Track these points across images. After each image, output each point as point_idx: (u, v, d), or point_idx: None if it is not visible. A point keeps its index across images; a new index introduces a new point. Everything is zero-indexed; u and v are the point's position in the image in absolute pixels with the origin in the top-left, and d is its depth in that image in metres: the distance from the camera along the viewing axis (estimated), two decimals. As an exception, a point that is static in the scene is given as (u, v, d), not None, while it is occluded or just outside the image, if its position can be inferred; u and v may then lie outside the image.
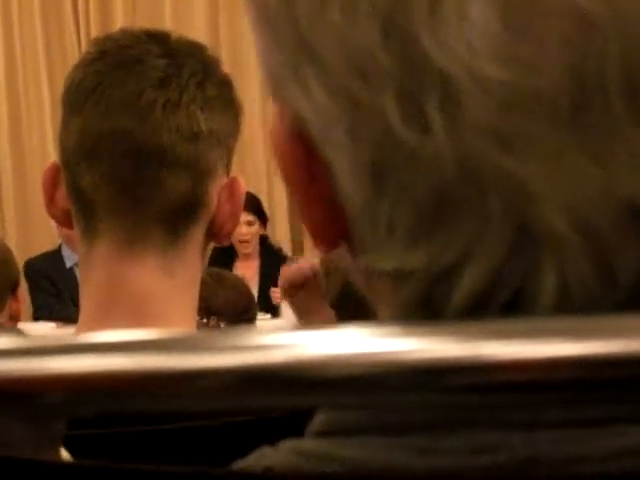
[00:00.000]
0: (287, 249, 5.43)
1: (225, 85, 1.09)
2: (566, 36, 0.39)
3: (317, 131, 0.44)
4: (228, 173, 1.10)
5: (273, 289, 4.65)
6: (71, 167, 1.07)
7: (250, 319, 3.05)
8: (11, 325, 2.42)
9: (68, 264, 4.78)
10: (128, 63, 1.05)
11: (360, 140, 0.43)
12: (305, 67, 0.43)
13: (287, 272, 2.87)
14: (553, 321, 0.39)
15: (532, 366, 0.37)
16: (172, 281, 1.07)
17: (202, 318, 2.69)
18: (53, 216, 1.11)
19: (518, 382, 0.37)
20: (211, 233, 1.09)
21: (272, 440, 0.47)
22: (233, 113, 1.10)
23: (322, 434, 0.46)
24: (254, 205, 4.85)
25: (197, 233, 1.08)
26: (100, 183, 1.05)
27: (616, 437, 0.41)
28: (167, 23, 5.45)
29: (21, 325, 2.84)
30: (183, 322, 1.07)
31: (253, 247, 4.97)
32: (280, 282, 3.01)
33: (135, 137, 1.03)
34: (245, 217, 4.76)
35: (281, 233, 5.60)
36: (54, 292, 4.80)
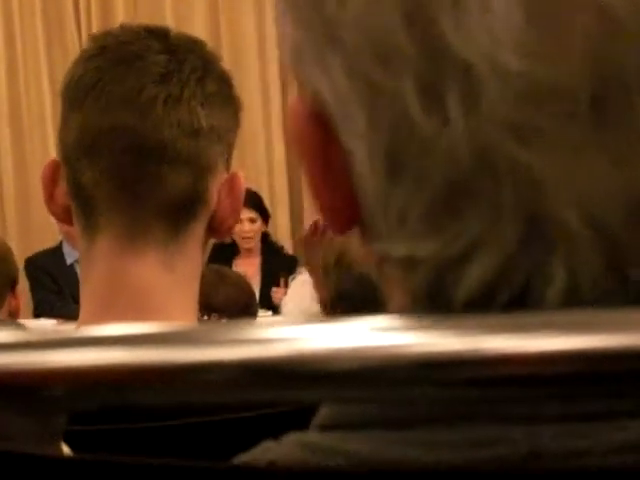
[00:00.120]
0: (288, 245, 5.43)
1: (225, 81, 1.09)
2: (588, 31, 0.39)
3: (336, 114, 0.45)
4: (228, 169, 1.10)
5: (275, 289, 4.65)
6: (71, 163, 1.06)
7: (251, 316, 3.05)
8: (11, 322, 2.42)
9: (69, 261, 4.78)
10: (128, 59, 1.05)
11: (378, 125, 0.43)
12: (327, 50, 0.44)
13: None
14: (553, 315, 0.39)
15: (533, 360, 0.37)
16: (173, 276, 1.07)
17: (203, 315, 2.69)
18: (53, 213, 1.11)
19: (519, 376, 0.37)
20: (212, 229, 1.09)
21: (276, 435, 0.47)
22: (233, 109, 1.10)
23: (326, 427, 0.46)
24: (256, 202, 4.85)
25: (198, 229, 1.08)
26: (100, 179, 1.05)
27: (617, 431, 0.41)
28: (168, 21, 5.45)
29: (22, 322, 2.84)
30: (184, 317, 1.07)
31: (255, 244, 4.97)
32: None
33: (136, 133, 1.03)
34: (247, 214, 4.76)
35: (282, 230, 5.60)
36: (55, 289, 4.80)
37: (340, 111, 0.44)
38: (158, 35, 1.07)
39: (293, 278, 4.22)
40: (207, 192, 1.07)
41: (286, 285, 4.53)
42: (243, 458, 0.47)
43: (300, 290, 3.77)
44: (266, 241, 5.04)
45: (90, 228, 1.07)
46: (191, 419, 1.06)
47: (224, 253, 4.80)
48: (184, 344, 0.39)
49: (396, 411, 0.44)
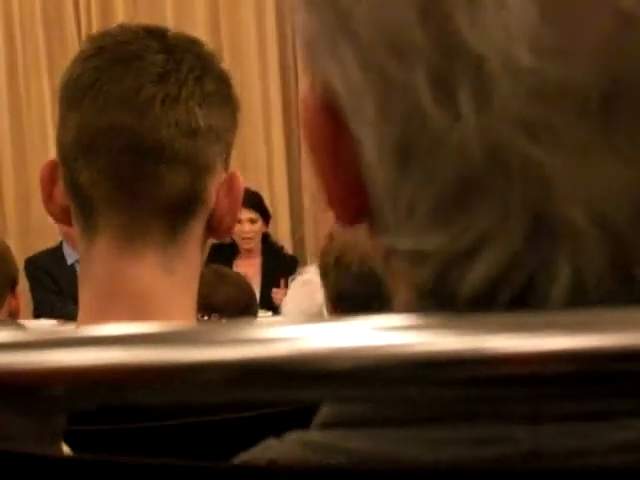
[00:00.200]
0: (288, 246, 5.42)
1: (223, 80, 1.09)
2: (602, 31, 0.39)
3: (347, 105, 0.45)
4: (227, 169, 1.10)
5: (275, 290, 4.65)
6: (69, 163, 1.06)
7: (251, 316, 3.05)
8: (10, 322, 2.42)
9: (69, 261, 4.78)
10: (126, 59, 1.05)
11: (389, 118, 0.43)
12: (341, 41, 0.44)
13: None
14: (555, 314, 0.39)
15: (534, 359, 0.37)
16: (172, 277, 1.07)
17: (203, 315, 2.69)
18: (51, 213, 1.11)
19: (521, 375, 0.37)
20: (210, 229, 1.09)
21: (278, 435, 0.47)
22: (231, 108, 1.10)
23: (327, 425, 0.46)
24: (257, 202, 4.85)
25: (196, 229, 1.08)
26: (98, 179, 1.05)
27: (619, 431, 0.41)
28: (168, 21, 5.45)
29: (22, 323, 2.84)
30: (183, 318, 1.07)
31: (255, 244, 4.96)
32: None
33: (134, 132, 1.03)
34: (247, 214, 4.76)
35: (282, 230, 5.60)
36: (55, 289, 4.80)
37: (352, 102, 0.45)
38: (156, 35, 1.07)
39: (293, 279, 4.21)
40: (205, 192, 1.07)
41: (286, 286, 4.53)
42: (244, 456, 0.47)
43: (300, 291, 3.76)
44: (266, 242, 5.04)
45: (89, 229, 1.07)
46: (191, 419, 1.06)
47: (224, 253, 4.80)
48: (184, 344, 0.39)
49: (397, 410, 0.44)
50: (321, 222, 5.15)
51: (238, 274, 3.44)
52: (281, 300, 4.44)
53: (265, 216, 4.97)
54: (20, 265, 3.53)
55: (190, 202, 1.06)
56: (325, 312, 2.30)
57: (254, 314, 3.13)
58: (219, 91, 1.07)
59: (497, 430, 0.42)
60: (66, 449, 0.72)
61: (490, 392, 0.38)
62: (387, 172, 0.44)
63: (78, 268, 1.15)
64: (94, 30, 5.67)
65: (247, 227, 4.84)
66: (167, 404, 0.41)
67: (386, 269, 0.48)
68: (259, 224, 4.92)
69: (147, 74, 1.04)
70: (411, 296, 0.45)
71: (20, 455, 0.43)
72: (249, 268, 4.79)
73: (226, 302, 2.86)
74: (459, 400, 0.39)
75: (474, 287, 0.42)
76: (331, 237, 1.91)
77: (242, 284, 3.10)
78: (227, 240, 4.84)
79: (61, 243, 4.89)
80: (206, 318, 2.73)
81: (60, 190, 1.08)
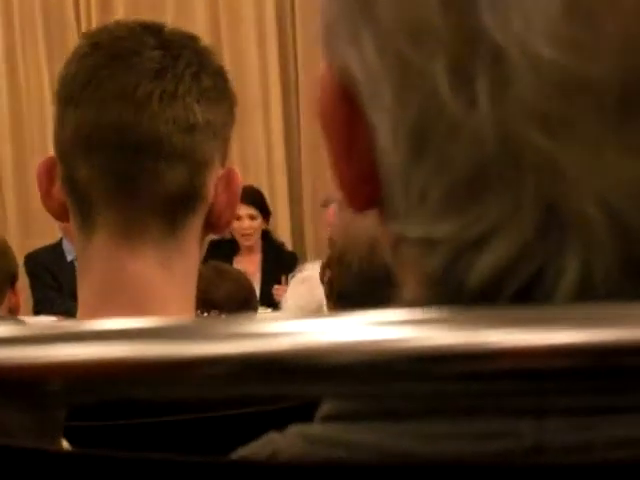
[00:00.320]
0: (288, 243, 5.42)
1: (220, 76, 1.09)
2: (625, 30, 0.40)
3: (364, 90, 0.45)
4: (224, 164, 1.10)
5: (276, 287, 4.64)
6: (67, 160, 1.06)
7: (251, 312, 3.05)
8: (10, 319, 2.42)
9: (69, 257, 4.77)
10: (123, 55, 1.05)
11: (405, 103, 0.43)
12: (361, 26, 0.44)
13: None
14: (558, 308, 0.39)
15: (534, 354, 0.36)
16: (170, 273, 1.07)
17: (202, 312, 2.69)
18: (49, 210, 1.11)
19: (524, 370, 0.37)
20: (209, 224, 1.09)
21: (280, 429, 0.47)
22: (228, 104, 1.10)
23: (328, 419, 0.46)
24: (257, 199, 4.85)
25: (195, 224, 1.08)
26: (96, 175, 1.05)
27: (622, 426, 0.41)
28: (168, 21, 5.45)
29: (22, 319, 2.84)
30: (182, 314, 1.07)
31: (255, 241, 4.96)
32: None
33: (132, 129, 1.03)
34: (247, 211, 4.75)
35: (282, 227, 5.60)
36: (55, 286, 4.80)
37: (368, 87, 0.45)
38: (152, 31, 1.07)
39: (293, 276, 4.21)
40: (204, 187, 1.07)
41: (287, 283, 4.53)
42: (246, 449, 0.47)
43: (299, 287, 3.76)
44: (267, 238, 5.03)
45: (87, 225, 1.07)
46: (192, 415, 1.05)
47: (224, 250, 4.80)
48: (184, 338, 0.39)
49: (400, 404, 0.44)
50: (321, 220, 5.15)
51: (238, 270, 3.44)
52: (282, 297, 4.44)
53: (265, 213, 4.96)
54: (20, 262, 3.53)
55: (189, 198, 1.06)
56: (325, 308, 2.30)
57: (254, 310, 3.13)
58: (216, 86, 1.07)
59: (501, 424, 0.42)
60: (66, 444, 0.71)
61: (490, 387, 0.38)
62: (401, 158, 0.44)
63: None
64: (94, 27, 5.67)
65: (246, 223, 4.84)
66: (167, 399, 0.41)
67: (395, 257, 0.48)
68: (259, 221, 4.92)
69: (144, 70, 1.04)
70: (419, 285, 0.45)
71: (19, 450, 0.43)
72: (249, 265, 4.79)
73: (226, 298, 2.86)
74: (460, 395, 0.39)
75: (482, 277, 0.42)
76: (332, 242, 1.91)
77: (242, 280, 3.10)
78: (227, 236, 4.85)
79: (61, 240, 4.89)
80: (205, 314, 2.73)
81: (58, 187, 1.08)
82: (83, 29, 5.78)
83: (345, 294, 1.87)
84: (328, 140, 0.47)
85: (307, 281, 3.49)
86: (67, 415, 0.59)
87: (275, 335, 0.38)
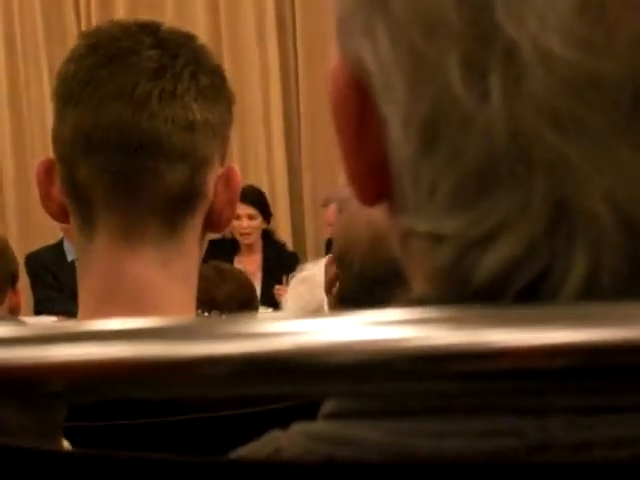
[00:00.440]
0: (288, 243, 5.42)
1: (218, 74, 1.09)
2: (637, 28, 0.40)
3: (377, 82, 0.45)
4: (223, 163, 1.10)
5: (277, 287, 4.64)
6: (66, 160, 1.06)
7: (252, 311, 3.05)
8: (11, 319, 2.42)
9: (70, 258, 4.77)
10: (121, 55, 1.05)
11: (417, 96, 0.43)
12: (375, 18, 0.44)
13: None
14: (561, 308, 0.39)
15: (538, 353, 0.36)
16: (171, 273, 1.07)
17: (203, 312, 2.69)
18: (49, 211, 1.11)
19: (524, 369, 0.37)
20: (209, 222, 1.09)
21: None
22: (227, 102, 1.10)
23: (331, 417, 0.46)
24: (256, 199, 4.85)
25: (195, 224, 1.08)
26: (96, 175, 1.04)
27: (623, 425, 0.41)
28: (167, 21, 5.44)
29: (22, 319, 2.84)
30: (183, 313, 1.07)
31: (255, 240, 4.96)
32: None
33: (131, 129, 1.03)
34: (246, 210, 4.75)
35: (282, 227, 5.60)
36: (56, 285, 4.80)
37: (381, 80, 0.45)
38: (149, 30, 1.07)
39: (293, 276, 4.21)
40: (204, 186, 1.07)
41: (288, 283, 4.52)
42: (250, 447, 0.47)
43: (300, 287, 3.76)
44: (267, 238, 5.03)
45: (87, 226, 1.07)
46: (193, 415, 1.05)
47: (225, 250, 4.80)
48: (185, 338, 0.39)
49: (400, 402, 0.44)
50: (321, 219, 5.15)
51: (238, 270, 3.44)
52: (283, 297, 4.43)
53: (265, 213, 4.96)
54: (20, 262, 3.53)
55: (189, 197, 1.06)
56: (326, 308, 2.29)
57: (255, 310, 3.13)
58: (214, 85, 1.08)
59: (501, 423, 0.42)
60: (66, 444, 0.71)
61: (491, 386, 0.38)
62: (411, 151, 0.44)
63: (79, 265, 1.15)
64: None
65: (245, 223, 4.83)
66: (167, 399, 0.41)
67: (404, 251, 0.48)
68: (258, 220, 4.91)
69: (142, 70, 1.04)
70: (427, 280, 0.45)
71: (19, 450, 0.43)
72: (250, 264, 4.79)
73: (226, 298, 2.85)
74: (462, 393, 0.39)
75: (490, 273, 0.42)
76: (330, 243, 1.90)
77: (242, 280, 3.09)
78: (228, 236, 4.85)
79: (62, 240, 4.89)
80: (206, 314, 2.73)
81: (57, 188, 1.08)
82: (83, 29, 5.79)
83: (347, 297, 1.87)
84: (339, 133, 0.48)
85: (307, 281, 3.49)
86: (67, 415, 0.59)
87: (276, 335, 0.38)
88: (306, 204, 5.70)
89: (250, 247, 4.95)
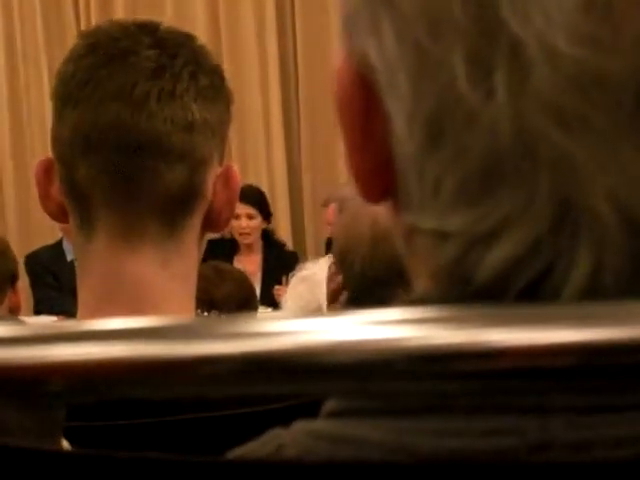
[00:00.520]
0: (287, 242, 5.42)
1: (216, 74, 1.09)
2: None
3: (382, 79, 0.45)
4: (222, 163, 1.10)
5: (277, 287, 4.64)
6: (65, 160, 1.06)
7: (251, 311, 3.04)
8: (11, 319, 2.42)
9: (69, 257, 4.77)
10: (120, 55, 1.04)
11: (422, 93, 0.43)
12: (381, 14, 0.44)
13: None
14: (562, 307, 0.39)
15: (539, 352, 0.36)
16: (170, 273, 1.07)
17: (203, 311, 2.69)
18: (48, 211, 1.11)
19: (525, 369, 0.37)
20: (208, 222, 1.09)
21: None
22: (225, 102, 1.10)
23: (332, 415, 0.46)
24: (256, 198, 4.84)
25: (194, 224, 1.08)
26: (95, 175, 1.04)
27: (627, 424, 0.41)
28: (167, 22, 5.44)
29: (22, 319, 2.84)
30: (182, 313, 1.07)
31: (254, 240, 4.96)
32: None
33: (130, 128, 1.03)
34: (245, 210, 4.75)
35: (282, 227, 5.60)
36: (56, 285, 4.80)
37: (386, 76, 0.45)
38: (148, 30, 1.07)
39: (293, 275, 4.21)
40: (204, 185, 1.07)
41: (288, 283, 4.52)
42: (253, 445, 0.47)
43: (299, 287, 3.76)
44: (267, 238, 5.03)
45: (86, 226, 1.07)
46: (192, 414, 1.05)
47: (225, 249, 4.80)
48: (184, 338, 0.39)
49: (401, 402, 0.44)
50: (321, 219, 5.15)
51: (238, 270, 3.43)
52: (282, 296, 4.43)
53: (265, 213, 4.96)
54: (20, 262, 3.53)
55: (189, 197, 1.06)
56: (325, 308, 2.29)
57: (254, 309, 3.13)
58: (213, 85, 1.08)
59: (503, 422, 0.42)
60: (66, 444, 0.71)
61: (492, 385, 0.38)
62: (416, 148, 0.44)
63: (78, 265, 1.15)
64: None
65: (244, 223, 4.83)
66: (167, 399, 0.41)
67: (408, 248, 0.48)
68: (257, 220, 4.91)
69: (141, 70, 1.04)
70: (431, 277, 0.45)
71: (19, 450, 0.43)
72: (249, 264, 4.79)
73: (226, 298, 2.85)
74: (462, 393, 0.38)
75: (493, 270, 0.42)
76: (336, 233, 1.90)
77: (242, 280, 3.09)
78: (227, 236, 4.85)
79: (61, 239, 4.89)
80: (206, 314, 2.73)
81: (56, 188, 1.08)
82: (83, 28, 5.78)
83: (347, 295, 1.87)
84: (344, 130, 0.48)
85: (307, 280, 3.49)
86: (67, 415, 0.59)
87: (276, 334, 0.38)
88: (306, 204, 5.70)
89: (250, 247, 4.95)
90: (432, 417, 0.43)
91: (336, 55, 0.48)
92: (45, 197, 1.09)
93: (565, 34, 0.40)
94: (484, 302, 0.42)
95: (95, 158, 1.04)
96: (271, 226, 5.11)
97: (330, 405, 0.47)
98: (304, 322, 0.39)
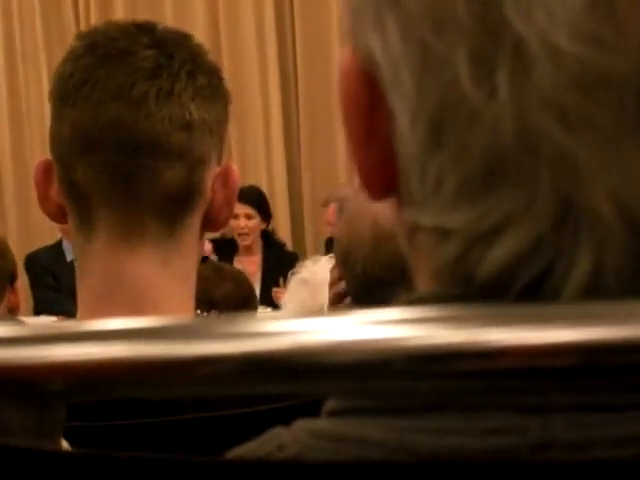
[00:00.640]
0: (287, 242, 5.42)
1: (214, 74, 1.09)
2: None
3: (386, 76, 0.45)
4: (220, 162, 1.10)
5: (275, 289, 4.63)
6: (64, 161, 1.06)
7: (251, 311, 3.04)
8: (10, 319, 2.42)
9: (69, 257, 4.77)
10: (118, 55, 1.05)
11: (426, 90, 0.43)
12: (386, 12, 0.45)
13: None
14: (561, 307, 0.39)
15: (539, 352, 0.36)
16: (170, 272, 1.07)
17: (202, 311, 2.69)
18: (47, 212, 1.11)
19: (525, 368, 0.37)
20: (207, 222, 1.09)
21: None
22: (223, 101, 1.10)
23: (333, 414, 0.46)
24: (255, 198, 4.84)
25: (194, 223, 1.08)
26: (94, 175, 1.04)
27: (628, 423, 0.41)
28: (167, 22, 5.44)
29: (22, 319, 2.84)
30: (182, 312, 1.07)
31: (254, 241, 4.95)
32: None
33: (129, 128, 1.03)
34: (244, 210, 4.74)
35: (282, 227, 5.60)
36: (55, 286, 4.80)
37: (390, 73, 0.45)
38: (146, 30, 1.07)
39: (292, 274, 4.21)
40: (203, 184, 1.07)
41: (286, 285, 4.51)
42: (254, 444, 0.47)
43: (300, 291, 3.75)
44: (267, 239, 5.02)
45: (85, 226, 1.07)
46: (192, 414, 1.05)
47: (224, 250, 4.80)
48: (184, 338, 0.39)
49: (401, 401, 0.44)
50: (321, 219, 5.15)
51: (237, 270, 3.43)
52: (281, 299, 4.42)
53: (264, 213, 4.95)
54: (20, 262, 3.53)
55: (187, 196, 1.06)
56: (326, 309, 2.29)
57: (254, 309, 3.13)
58: (211, 84, 1.08)
59: (504, 421, 0.42)
60: (66, 444, 0.71)
61: (492, 384, 0.38)
62: (418, 145, 0.44)
63: (78, 265, 1.15)
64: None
65: (243, 222, 4.82)
66: (167, 399, 0.41)
67: (410, 246, 0.48)
68: (256, 220, 4.91)
69: (139, 69, 1.04)
70: (432, 275, 0.45)
71: (19, 450, 0.43)
72: (249, 265, 4.79)
73: (225, 298, 2.85)
74: (463, 392, 0.39)
75: (494, 268, 0.42)
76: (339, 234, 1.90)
77: (241, 280, 3.09)
78: (227, 236, 4.84)
79: (61, 240, 4.89)
80: (205, 314, 2.73)
81: (55, 188, 1.08)
82: (82, 29, 5.78)
83: (349, 295, 1.86)
84: (348, 127, 0.48)
85: (308, 284, 3.48)
86: (67, 415, 0.59)
87: (275, 334, 0.38)
88: (305, 203, 5.70)
89: (249, 247, 4.95)
90: (433, 416, 0.43)
91: (340, 52, 0.48)
92: (44, 198, 1.09)
93: (568, 32, 0.40)
94: (484, 301, 0.42)
95: (94, 158, 1.04)
96: (271, 226, 5.10)
97: (331, 404, 0.47)
98: (304, 322, 0.39)
